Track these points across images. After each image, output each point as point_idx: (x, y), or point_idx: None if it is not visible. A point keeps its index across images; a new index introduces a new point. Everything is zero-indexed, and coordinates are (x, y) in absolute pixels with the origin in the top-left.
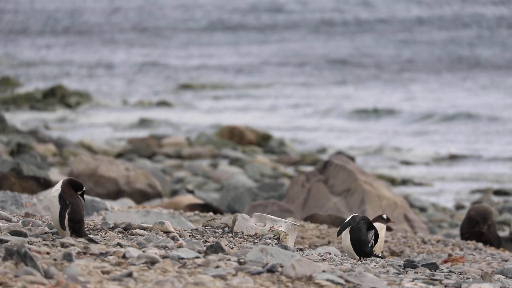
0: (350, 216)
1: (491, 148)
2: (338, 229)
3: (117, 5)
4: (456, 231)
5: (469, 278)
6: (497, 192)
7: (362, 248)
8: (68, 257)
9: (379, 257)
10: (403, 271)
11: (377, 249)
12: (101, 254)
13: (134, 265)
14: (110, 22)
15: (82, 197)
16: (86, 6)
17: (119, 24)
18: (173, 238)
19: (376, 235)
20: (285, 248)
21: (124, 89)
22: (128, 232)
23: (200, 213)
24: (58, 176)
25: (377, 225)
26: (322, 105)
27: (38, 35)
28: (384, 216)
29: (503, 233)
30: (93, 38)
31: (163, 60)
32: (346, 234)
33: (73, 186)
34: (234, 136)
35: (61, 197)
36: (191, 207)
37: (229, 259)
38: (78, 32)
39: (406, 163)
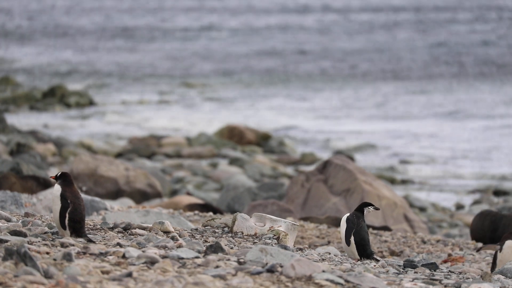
0: (345, 218)
1: None
2: (345, 238)
3: None
4: (456, 231)
5: (468, 278)
6: (497, 192)
7: (365, 248)
8: (67, 257)
9: (378, 260)
10: (402, 271)
11: (502, 264)
12: (101, 254)
13: (134, 265)
14: None
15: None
16: None
17: None
18: (172, 238)
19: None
20: (285, 248)
21: None
22: (127, 232)
23: (199, 213)
24: None
25: (508, 242)
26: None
27: None
28: None
29: None
30: None
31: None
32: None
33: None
34: (234, 136)
35: (63, 196)
36: (191, 207)
37: (228, 259)
38: None
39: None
